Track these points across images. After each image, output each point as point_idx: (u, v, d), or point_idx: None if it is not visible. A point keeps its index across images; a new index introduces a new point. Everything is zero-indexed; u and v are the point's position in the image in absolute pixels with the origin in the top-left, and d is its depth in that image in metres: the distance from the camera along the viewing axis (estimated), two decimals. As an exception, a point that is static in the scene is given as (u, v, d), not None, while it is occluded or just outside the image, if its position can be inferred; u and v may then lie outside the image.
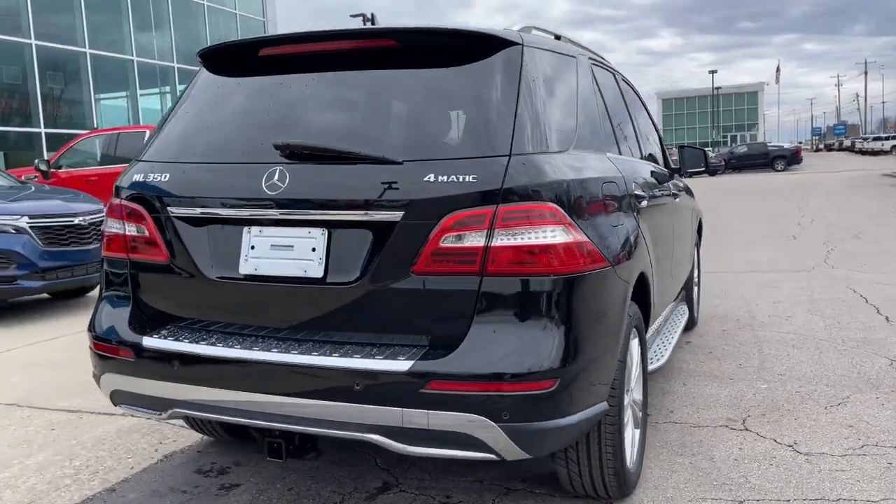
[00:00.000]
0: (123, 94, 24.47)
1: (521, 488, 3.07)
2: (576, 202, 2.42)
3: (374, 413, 2.30)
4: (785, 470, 3.19)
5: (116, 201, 2.84)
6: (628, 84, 4.27)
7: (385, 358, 2.31)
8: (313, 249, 2.47)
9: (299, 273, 2.47)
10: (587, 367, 2.38)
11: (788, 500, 2.92)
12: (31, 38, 20.50)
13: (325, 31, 2.69)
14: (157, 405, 2.65)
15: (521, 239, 2.28)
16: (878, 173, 29.36)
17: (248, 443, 3.59)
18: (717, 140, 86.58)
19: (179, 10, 25.38)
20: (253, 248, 2.55)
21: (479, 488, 3.08)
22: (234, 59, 2.90)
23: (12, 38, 20.14)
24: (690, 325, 5.64)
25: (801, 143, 67.50)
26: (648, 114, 4.72)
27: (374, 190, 2.37)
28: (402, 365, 2.27)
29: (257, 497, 3.06)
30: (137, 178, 2.77)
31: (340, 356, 2.35)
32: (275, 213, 2.49)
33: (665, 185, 4.19)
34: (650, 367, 3.51)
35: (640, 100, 4.57)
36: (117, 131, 12.23)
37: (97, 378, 2.84)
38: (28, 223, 6.75)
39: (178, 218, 2.65)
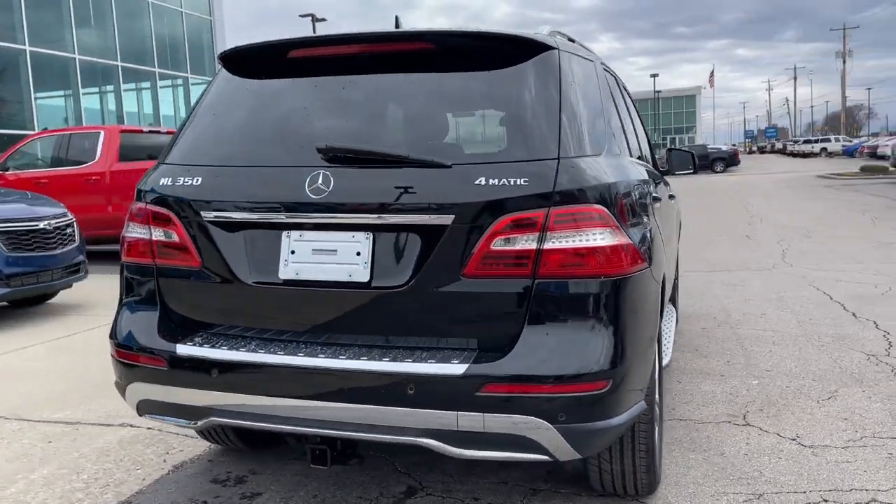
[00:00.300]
0: (65, 93, 23.63)
1: (546, 488, 3.10)
2: (618, 204, 2.46)
3: (429, 417, 2.30)
4: (794, 463, 3.30)
5: (140, 205, 2.76)
6: (626, 87, 4.35)
7: (438, 361, 2.31)
8: (358, 253, 2.45)
9: (344, 277, 2.45)
10: (633, 367, 2.43)
11: (805, 492, 3.02)
12: (-35, 35, 19.67)
13: (360, 34, 2.67)
14: (191, 414, 2.59)
15: (572, 241, 2.31)
16: (812, 175, 30.53)
17: (260, 450, 3.53)
18: (658, 143, 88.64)
19: (123, 7, 24.65)
20: (293, 252, 2.51)
21: (505, 489, 3.10)
22: (261, 61, 2.85)
23: (-54, 35, 19.29)
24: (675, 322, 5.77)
25: (734, 145, 69.62)
26: (639, 115, 4.82)
27: (423, 194, 2.36)
28: (456, 368, 2.27)
29: (282, 505, 3.01)
30: (165, 181, 2.69)
31: (392, 360, 2.34)
32: (318, 218, 2.46)
33: (662, 186, 4.29)
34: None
35: (633, 102, 4.67)
36: (69, 132, 11.81)
37: (122, 388, 2.75)
38: (-9, 228, 6.48)
39: (213, 222, 2.59)
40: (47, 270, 6.83)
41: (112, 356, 2.78)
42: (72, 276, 7.17)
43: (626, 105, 4.06)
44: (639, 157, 4.02)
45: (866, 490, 3.02)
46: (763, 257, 9.48)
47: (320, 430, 2.43)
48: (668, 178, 5.11)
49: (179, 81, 27.81)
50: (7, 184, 10.95)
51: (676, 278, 5.56)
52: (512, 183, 2.31)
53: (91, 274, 7.88)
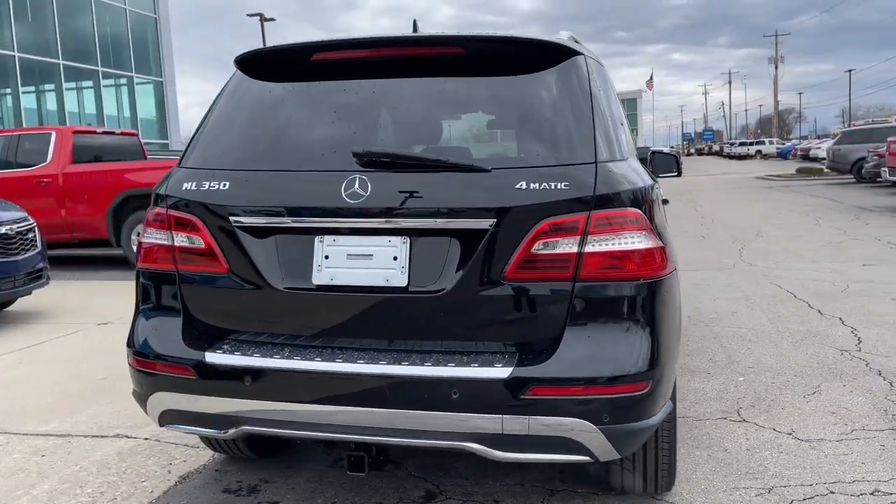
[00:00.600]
0: (2, 92, 22.72)
1: (564, 489, 3.14)
2: (649, 207, 2.51)
3: (474, 421, 2.31)
4: (795, 457, 3.42)
5: (159, 210, 2.69)
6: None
7: (481, 365, 2.32)
8: (395, 258, 2.44)
9: (381, 283, 2.43)
10: (667, 368, 2.48)
11: (811, 485, 3.13)
12: None
13: (388, 38, 2.66)
14: (221, 424, 2.53)
15: (612, 244, 2.35)
16: (751, 177, 31.54)
17: (267, 458, 3.47)
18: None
19: (64, 3, 23.84)
20: (327, 257, 2.49)
21: (524, 491, 3.13)
22: (283, 64, 2.81)
23: None
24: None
25: (672, 147, 71.60)
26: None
27: (463, 198, 2.37)
28: (501, 372, 2.28)
29: (302, 514, 2.97)
30: (188, 185, 2.63)
31: (434, 365, 2.34)
32: (354, 222, 2.45)
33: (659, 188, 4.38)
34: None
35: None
36: (18, 133, 11.38)
37: (142, 398, 2.67)
38: (-52, 233, 6.20)
39: (242, 228, 2.54)
40: (9, 277, 6.57)
41: (131, 365, 2.70)
42: (34, 283, 6.91)
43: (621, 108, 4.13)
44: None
45: (868, 481, 3.15)
46: (722, 257, 9.75)
47: (361, 437, 2.41)
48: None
49: (123, 81, 27.06)
50: (-49, 186, 10.48)
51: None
52: (553, 187, 2.33)
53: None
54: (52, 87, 24.02)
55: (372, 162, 2.45)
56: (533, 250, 2.34)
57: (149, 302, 2.75)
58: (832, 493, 3.06)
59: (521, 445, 2.33)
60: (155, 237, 2.70)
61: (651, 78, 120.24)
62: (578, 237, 2.33)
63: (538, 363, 2.31)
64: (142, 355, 2.64)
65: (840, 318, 6.06)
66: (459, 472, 3.29)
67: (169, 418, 2.64)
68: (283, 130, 2.67)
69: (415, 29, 3.03)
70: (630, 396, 2.31)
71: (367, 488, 3.17)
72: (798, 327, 5.85)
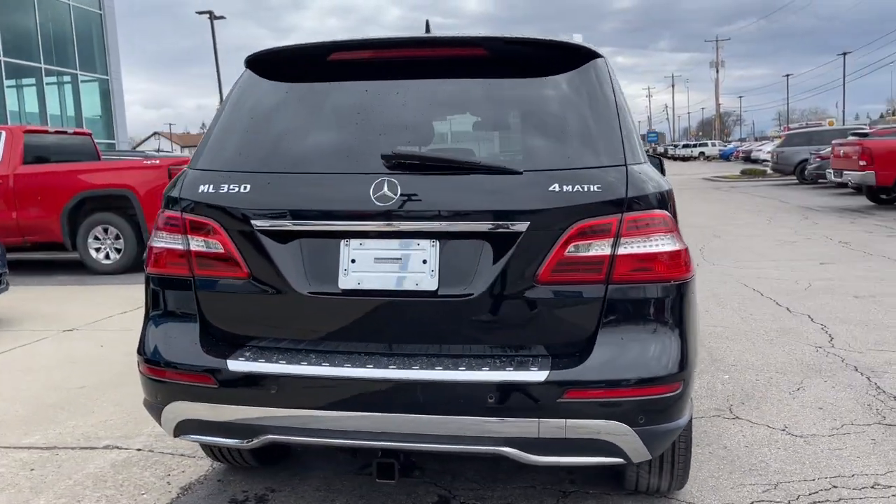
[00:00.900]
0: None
1: (576, 490, 3.15)
2: (673, 209, 2.54)
3: (510, 425, 2.29)
4: (793, 452, 3.50)
5: (173, 214, 2.60)
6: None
7: (516, 369, 2.31)
8: (424, 261, 2.41)
9: (410, 286, 2.40)
10: (695, 368, 2.51)
11: (814, 480, 3.21)
12: None
13: (409, 38, 2.63)
14: (244, 433, 2.46)
15: (643, 247, 2.36)
16: (698, 178, 32.29)
17: (270, 467, 3.39)
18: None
19: (5, -3, 23.00)
20: (354, 261, 2.44)
21: (536, 493, 3.12)
22: (299, 64, 2.75)
23: None
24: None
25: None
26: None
27: (496, 200, 2.36)
28: (537, 375, 2.27)
29: (316, 523, 2.91)
30: (205, 188, 2.55)
31: (468, 369, 2.31)
32: (383, 226, 2.41)
33: None
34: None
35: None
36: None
37: (156, 408, 2.58)
38: None
39: (264, 231, 2.47)
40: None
41: (143, 374, 2.61)
42: (-7, 289, 6.63)
43: None
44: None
45: (866, 475, 3.24)
46: (685, 257, 9.93)
47: (394, 444, 2.37)
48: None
49: (67, 78, 26.19)
50: None
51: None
52: (585, 189, 2.33)
53: None
54: (-9, 84, 23.15)
55: (400, 164, 2.41)
56: (566, 253, 2.34)
57: (160, 308, 2.66)
58: (835, 487, 3.14)
59: (557, 449, 2.33)
60: (167, 241, 2.61)
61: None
62: (611, 239, 2.34)
63: (573, 366, 2.31)
64: (156, 364, 2.55)
65: (809, 316, 6.24)
66: (469, 476, 3.27)
67: (186, 428, 2.55)
68: (304, 132, 2.61)
69: (427, 30, 3.00)
70: (664, 398, 2.33)
71: (378, 495, 3.12)
72: (771, 325, 5.99)
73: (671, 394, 2.34)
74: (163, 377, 2.53)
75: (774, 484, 3.18)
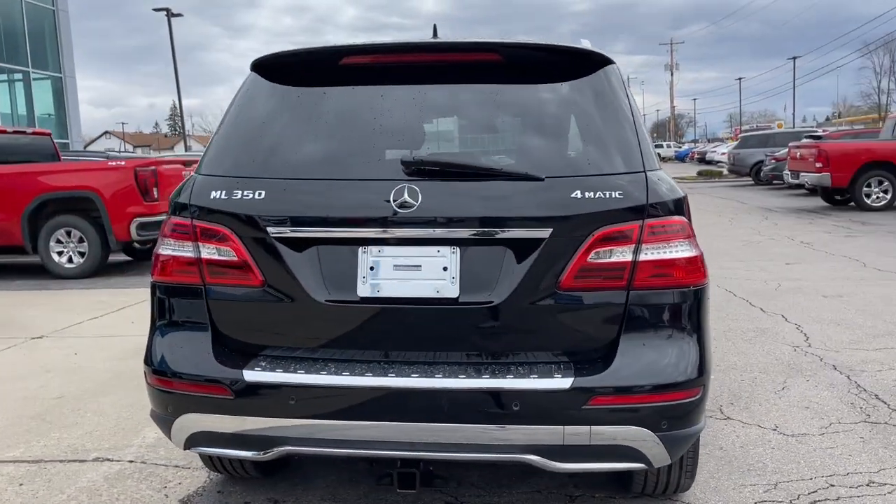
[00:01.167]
0: None
1: (582, 493, 3.16)
2: (689, 216, 2.56)
3: (535, 433, 2.28)
4: (787, 452, 3.57)
5: (181, 220, 2.53)
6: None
7: (540, 376, 2.30)
8: (444, 268, 2.39)
9: (431, 293, 2.38)
10: (711, 373, 2.53)
11: (811, 479, 3.27)
12: None
13: (422, 42, 2.62)
14: (261, 445, 2.41)
15: (663, 253, 2.38)
16: (657, 178, 32.77)
17: (271, 476, 3.32)
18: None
19: (-50, -8, 22.19)
20: (372, 268, 2.41)
21: (542, 498, 3.12)
22: (307, 68, 2.70)
23: None
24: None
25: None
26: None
27: (518, 207, 2.35)
28: (563, 382, 2.27)
29: (324, 533, 2.86)
30: (216, 194, 2.49)
31: (492, 377, 2.30)
32: (403, 233, 2.38)
33: None
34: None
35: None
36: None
37: (166, 421, 2.51)
38: None
39: (281, 239, 2.42)
40: (-70, 289, 6.04)
41: (151, 385, 2.53)
42: (-44, 295, 6.38)
43: None
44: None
45: (860, 473, 3.32)
46: (654, 258, 10.07)
47: (416, 454, 2.35)
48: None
49: (19, 76, 25.39)
50: None
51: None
52: (608, 196, 2.34)
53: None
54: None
55: (421, 170, 2.38)
56: (589, 259, 2.34)
57: (168, 317, 2.59)
58: (832, 486, 3.20)
59: (580, 456, 2.33)
60: (175, 249, 2.54)
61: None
62: (633, 245, 2.35)
63: (597, 373, 2.31)
64: (165, 374, 2.48)
65: (783, 316, 6.38)
66: (473, 482, 3.26)
67: (198, 441, 2.49)
68: (318, 138, 2.57)
69: (434, 34, 2.98)
70: (684, 403, 2.35)
71: (384, 502, 3.09)
72: (748, 325, 6.11)
73: (692, 399, 2.36)
74: (173, 388, 2.47)
75: (774, 484, 3.23)
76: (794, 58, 67.25)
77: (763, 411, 4.12)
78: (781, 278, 8.13)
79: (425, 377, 2.31)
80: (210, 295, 2.50)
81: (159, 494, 3.20)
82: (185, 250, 2.52)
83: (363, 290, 2.40)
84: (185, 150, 38.39)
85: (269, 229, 2.43)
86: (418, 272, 2.39)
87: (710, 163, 41.06)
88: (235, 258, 2.46)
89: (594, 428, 2.28)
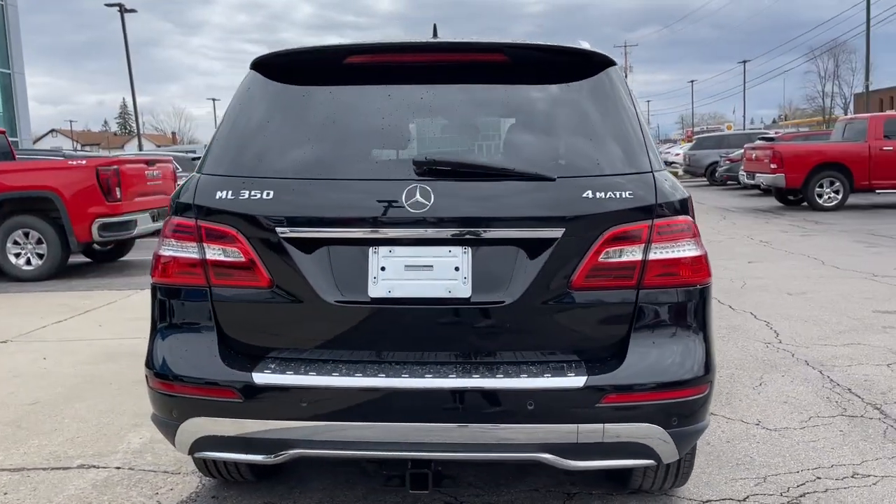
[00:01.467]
0: None
1: (579, 491, 3.19)
2: (693, 215, 2.61)
3: (549, 431, 2.30)
4: (772, 446, 3.65)
5: (184, 221, 2.48)
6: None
7: (554, 375, 2.31)
8: (456, 268, 2.38)
9: (443, 294, 2.37)
10: (716, 371, 2.58)
11: (798, 472, 3.36)
12: None
13: (427, 42, 2.61)
14: (269, 448, 2.38)
15: (672, 252, 2.42)
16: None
17: (266, 479, 3.28)
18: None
19: None
20: (383, 269, 2.39)
21: (541, 496, 3.14)
22: (309, 67, 2.67)
23: None
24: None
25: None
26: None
27: (531, 206, 2.36)
28: (576, 381, 2.29)
29: (326, 536, 2.84)
30: (222, 194, 2.44)
31: (507, 377, 2.31)
32: (415, 233, 2.37)
33: None
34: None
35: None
36: None
37: (171, 425, 2.45)
38: None
39: (290, 240, 2.39)
40: None
41: (154, 389, 2.48)
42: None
43: None
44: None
45: (844, 465, 3.42)
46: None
47: (431, 454, 2.34)
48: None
49: (-34, 72, 24.56)
50: None
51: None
52: (618, 196, 2.37)
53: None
54: None
55: (432, 170, 2.38)
56: (600, 259, 2.36)
57: (170, 320, 2.53)
58: (819, 478, 3.29)
59: (593, 453, 2.35)
60: (178, 250, 2.49)
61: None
62: (643, 245, 2.38)
63: (609, 371, 2.34)
64: (169, 378, 2.43)
65: (752, 313, 6.53)
66: (470, 482, 3.26)
67: (204, 445, 2.44)
68: (325, 138, 2.54)
69: (434, 34, 2.97)
70: (693, 400, 2.39)
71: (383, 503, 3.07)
72: (719, 322, 6.23)
73: (700, 395, 2.40)
74: (178, 392, 2.42)
75: (763, 477, 3.31)
76: (745, 61, 68.89)
77: (744, 406, 4.21)
78: (746, 276, 8.32)
79: (438, 378, 2.31)
80: (215, 296, 2.46)
81: (151, 501, 3.13)
82: (188, 251, 2.47)
83: (374, 291, 2.39)
84: (140, 150, 37.51)
85: (278, 230, 2.40)
86: (430, 272, 2.39)
87: (666, 164, 41.82)
88: (243, 259, 2.42)
89: (607, 426, 2.31)
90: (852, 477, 3.30)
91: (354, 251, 2.41)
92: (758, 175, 16.82)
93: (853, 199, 16.60)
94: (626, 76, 2.77)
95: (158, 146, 68.12)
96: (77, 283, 9.13)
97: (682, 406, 2.37)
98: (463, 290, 2.38)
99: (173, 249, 2.50)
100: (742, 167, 18.42)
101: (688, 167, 27.51)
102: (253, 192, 2.42)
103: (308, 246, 2.41)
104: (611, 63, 2.66)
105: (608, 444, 2.33)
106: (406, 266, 2.40)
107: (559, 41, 2.62)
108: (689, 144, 30.90)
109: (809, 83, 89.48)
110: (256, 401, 2.34)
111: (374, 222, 2.38)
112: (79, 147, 76.33)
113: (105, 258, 10.94)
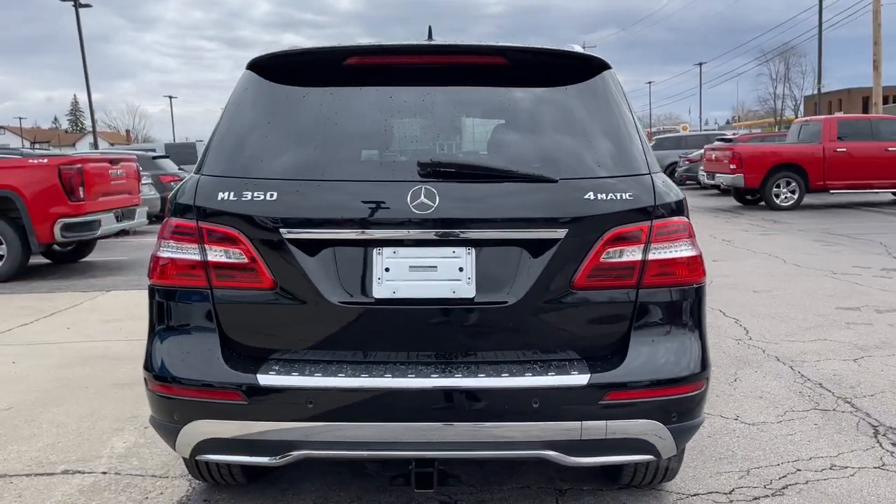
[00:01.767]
0: None
1: (570, 487, 3.24)
2: (688, 216, 2.67)
3: (553, 429, 2.34)
4: (752, 440, 3.76)
5: (184, 222, 2.46)
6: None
7: (558, 374, 2.35)
8: (460, 269, 2.41)
9: (447, 294, 2.40)
10: (711, 368, 2.65)
11: (779, 465, 3.46)
12: None
13: (428, 45, 2.63)
14: (274, 450, 2.37)
15: (669, 252, 2.48)
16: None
17: (255, 482, 3.25)
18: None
19: None
20: (388, 270, 2.41)
21: (533, 493, 3.19)
22: (308, 68, 2.67)
23: None
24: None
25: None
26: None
27: (533, 208, 2.40)
28: (580, 379, 2.34)
29: (324, 538, 2.83)
30: (224, 195, 2.43)
31: (511, 376, 2.34)
32: (419, 234, 2.39)
33: None
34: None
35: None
36: None
37: (171, 429, 2.43)
38: None
39: (293, 241, 2.39)
40: None
41: (153, 392, 2.45)
42: None
43: None
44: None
45: (822, 458, 3.53)
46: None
47: (436, 453, 2.36)
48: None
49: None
50: None
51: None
52: (619, 197, 2.42)
53: None
54: None
55: (437, 172, 2.40)
56: (602, 259, 2.41)
57: (169, 322, 2.51)
58: (799, 470, 3.40)
59: (596, 450, 2.40)
60: (177, 251, 2.46)
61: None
62: (642, 245, 2.43)
63: (611, 369, 2.39)
64: (170, 381, 2.41)
65: (721, 311, 6.69)
66: (463, 480, 3.28)
67: (206, 448, 2.42)
68: (327, 139, 2.54)
69: (430, 36, 2.99)
70: (691, 396, 2.46)
71: (379, 504, 3.08)
72: (690, 320, 6.36)
73: (697, 392, 2.47)
74: (180, 395, 2.39)
75: (746, 470, 3.40)
76: (701, 63, 70.23)
77: (721, 402, 4.32)
78: (712, 275, 8.49)
79: (443, 377, 2.33)
80: (217, 298, 2.44)
81: (141, 506, 3.09)
82: (188, 253, 2.45)
83: (378, 292, 2.40)
84: (95, 148, 36.66)
85: (281, 231, 2.39)
86: (434, 273, 2.41)
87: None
88: (245, 260, 2.41)
89: (610, 423, 2.36)
90: (830, 468, 3.41)
91: (359, 252, 2.42)
92: (717, 175, 17.17)
93: (809, 199, 17.06)
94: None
95: (112, 144, 66.72)
96: (38, 285, 8.90)
97: (682, 402, 2.43)
98: (467, 290, 2.40)
99: (173, 251, 2.47)
100: (702, 167, 18.80)
101: (647, 167, 27.96)
102: (256, 194, 2.42)
103: (312, 247, 2.41)
104: (607, 66, 2.71)
105: (610, 440, 2.38)
106: (410, 267, 2.41)
107: (519, 42, 2.65)
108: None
109: (762, 85, 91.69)
110: (261, 403, 2.33)
111: (379, 224, 2.39)
112: (29, 145, 74.34)
113: (66, 259, 10.70)
